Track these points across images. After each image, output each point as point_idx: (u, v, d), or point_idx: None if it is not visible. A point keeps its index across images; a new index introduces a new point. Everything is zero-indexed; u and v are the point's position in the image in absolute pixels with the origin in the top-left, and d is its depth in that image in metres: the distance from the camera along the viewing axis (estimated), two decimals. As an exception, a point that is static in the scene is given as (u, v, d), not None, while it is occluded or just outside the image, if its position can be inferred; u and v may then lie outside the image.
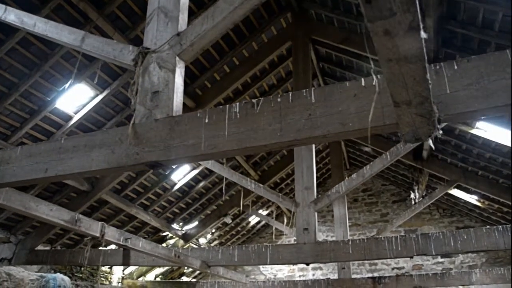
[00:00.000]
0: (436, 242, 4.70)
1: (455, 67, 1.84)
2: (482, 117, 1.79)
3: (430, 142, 1.80)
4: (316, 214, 5.14)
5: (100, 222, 3.78)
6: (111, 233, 3.94)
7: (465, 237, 4.65)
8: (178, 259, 4.89)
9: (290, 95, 2.06)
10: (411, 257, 4.81)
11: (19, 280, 5.28)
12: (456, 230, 4.68)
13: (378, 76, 1.88)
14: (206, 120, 2.24)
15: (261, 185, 5.55)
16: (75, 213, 3.48)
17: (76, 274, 8.46)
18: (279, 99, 2.08)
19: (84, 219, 3.59)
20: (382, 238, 4.83)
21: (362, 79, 1.94)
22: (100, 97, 5.86)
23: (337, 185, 5.12)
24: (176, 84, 2.51)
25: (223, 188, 7.50)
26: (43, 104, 5.65)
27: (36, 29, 3.09)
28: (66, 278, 5.52)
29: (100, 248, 6.66)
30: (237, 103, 2.21)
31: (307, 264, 5.05)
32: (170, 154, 2.25)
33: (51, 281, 5.08)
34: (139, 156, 2.34)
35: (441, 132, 1.81)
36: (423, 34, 1.18)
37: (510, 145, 6.25)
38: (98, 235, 3.74)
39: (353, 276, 8.51)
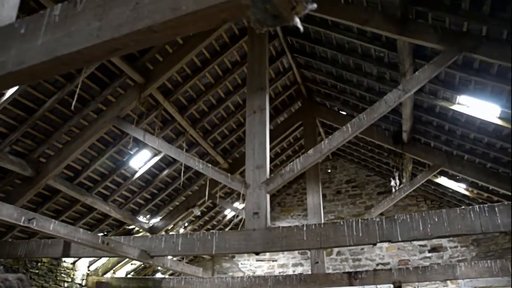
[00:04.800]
0: (403, 227, 4.04)
1: None
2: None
3: (298, 23, 1.16)
4: (268, 196, 4.49)
5: (-10, 199, 3.16)
6: (7, 211, 3.31)
7: (436, 219, 3.98)
8: (107, 247, 4.26)
9: (120, -19, 1.43)
10: (374, 244, 4.14)
11: None
12: (426, 212, 4.02)
13: None
14: (23, 31, 1.62)
15: (210, 165, 4.92)
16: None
17: (31, 270, 7.84)
18: (105, -10, 1.46)
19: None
20: (341, 223, 4.17)
21: None
22: (34, 69, 5.24)
23: (291, 163, 4.48)
24: (6, -9, 1.88)
25: (182, 173, 6.87)
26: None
27: None
28: None
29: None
30: (60, 4, 1.58)
31: (257, 254, 4.42)
32: (-28, 80, 1.63)
33: None
34: None
35: (315, 5, 1.16)
36: None
37: (495, 122, 5.60)
38: (-15, 214, 3.11)
39: (335, 272, 7.86)
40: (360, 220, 4.15)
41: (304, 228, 4.22)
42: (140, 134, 5.67)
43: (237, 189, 4.63)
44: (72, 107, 5.17)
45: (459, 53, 4.25)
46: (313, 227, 4.18)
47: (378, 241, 4.09)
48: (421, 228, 4.01)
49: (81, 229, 3.99)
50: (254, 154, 4.63)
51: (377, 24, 4.61)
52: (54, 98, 5.66)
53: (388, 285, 6.82)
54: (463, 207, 3.92)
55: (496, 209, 3.79)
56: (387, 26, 4.58)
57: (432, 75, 4.29)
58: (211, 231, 5.12)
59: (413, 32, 4.48)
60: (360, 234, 4.13)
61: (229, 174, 4.74)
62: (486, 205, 3.81)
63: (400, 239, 4.04)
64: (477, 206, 3.85)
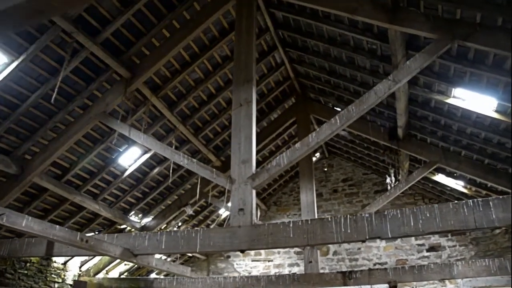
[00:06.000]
0: (393, 223, 3.86)
1: None
2: None
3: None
4: (254, 191, 4.33)
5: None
6: (-27, 207, 3.15)
7: (427, 215, 3.81)
8: (86, 244, 4.10)
9: None
10: (363, 241, 3.97)
11: None
12: (417, 207, 3.84)
13: None
14: None
15: (195, 160, 4.76)
16: None
17: (19, 271, 7.68)
18: None
19: None
20: (329, 219, 4.00)
21: None
22: (15, 63, 5.10)
23: (277, 157, 4.31)
24: None
25: (171, 169, 6.71)
26: None
27: None
28: None
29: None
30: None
31: (242, 252, 4.24)
32: None
33: None
34: None
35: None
36: None
37: (491, 116, 5.42)
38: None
39: (329, 272, 7.68)
40: (348, 216, 3.99)
41: (291, 225, 4.05)
42: (125, 129, 5.51)
43: (223, 185, 4.47)
44: (52, 100, 5.02)
45: (452, 41, 4.07)
46: (300, 223, 4.01)
47: (367, 237, 3.92)
48: (412, 224, 3.84)
49: (57, 226, 3.83)
50: (240, 148, 4.46)
51: (366, 12, 4.44)
52: (37, 93, 5.51)
53: (384, 285, 6.63)
54: (456, 201, 3.74)
55: (491, 203, 3.61)
56: (377, 14, 4.41)
57: (424, 64, 4.12)
58: (195, 228, 4.97)
59: (404, 20, 4.31)
60: (349, 231, 3.97)
61: (214, 170, 4.58)
62: (480, 199, 3.63)
63: (390, 236, 3.87)
64: (470, 201, 3.67)
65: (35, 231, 3.64)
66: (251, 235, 4.11)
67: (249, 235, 4.12)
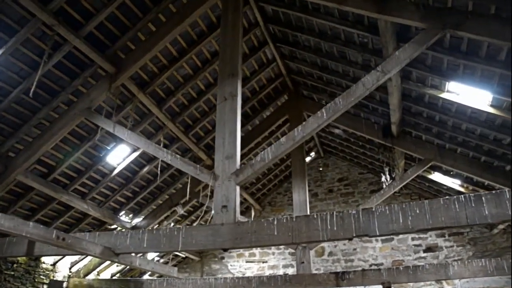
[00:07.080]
0: (381, 220, 3.69)
1: None
2: None
3: None
4: (238, 188, 4.16)
5: None
6: None
7: (417, 211, 3.64)
8: (63, 243, 3.93)
9: None
10: (350, 239, 3.80)
11: None
12: (407, 203, 3.68)
13: None
14: None
15: (178, 156, 4.59)
16: None
17: (6, 272, 7.51)
18: None
19: None
20: (315, 216, 3.84)
21: None
22: (-5, 57, 4.96)
23: (262, 152, 4.15)
24: None
25: (159, 167, 6.54)
26: None
27: None
28: None
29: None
30: None
31: (225, 250, 4.07)
32: None
33: None
34: None
35: None
36: None
37: (487, 111, 5.26)
38: None
39: (321, 272, 7.50)
40: (334, 213, 3.81)
41: (275, 222, 3.88)
42: (110, 126, 5.35)
43: (206, 181, 4.31)
44: (31, 94, 4.87)
45: (442, 30, 3.91)
46: (284, 221, 3.84)
47: (354, 235, 3.75)
48: (401, 221, 3.68)
49: (31, 223, 3.67)
50: (224, 143, 4.30)
51: (355, 2, 4.29)
52: (19, 88, 5.37)
53: (378, 286, 6.45)
54: (447, 197, 3.57)
55: (483, 198, 3.45)
56: (366, 4, 4.27)
57: (414, 54, 3.96)
58: (178, 226, 4.80)
59: (394, 10, 4.16)
60: (335, 228, 3.79)
61: (197, 165, 4.41)
62: (472, 194, 3.46)
63: (378, 233, 3.71)
64: (462, 196, 3.50)
65: (6, 228, 3.47)
66: (234, 233, 3.95)
67: (232, 233, 3.96)
